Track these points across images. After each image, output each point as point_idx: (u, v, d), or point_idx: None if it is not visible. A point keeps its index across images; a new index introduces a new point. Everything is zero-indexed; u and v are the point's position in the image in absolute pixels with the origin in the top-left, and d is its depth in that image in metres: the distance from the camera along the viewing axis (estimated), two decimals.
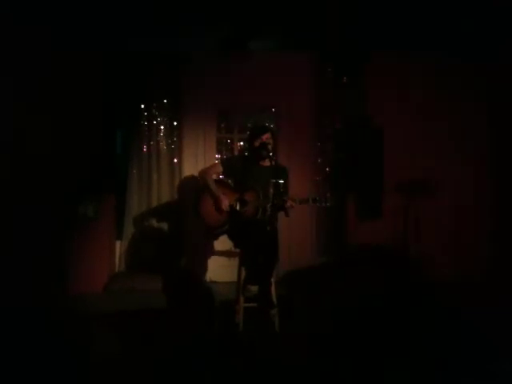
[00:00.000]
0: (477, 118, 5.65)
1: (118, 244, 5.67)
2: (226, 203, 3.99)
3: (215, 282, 5.51)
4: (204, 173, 4.19)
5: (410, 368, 3.14)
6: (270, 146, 3.99)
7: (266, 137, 4.01)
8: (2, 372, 3.02)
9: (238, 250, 4.13)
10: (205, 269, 5.55)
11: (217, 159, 5.68)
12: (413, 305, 4.17)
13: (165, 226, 5.70)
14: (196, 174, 5.04)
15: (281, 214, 3.98)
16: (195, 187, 5.10)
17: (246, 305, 3.84)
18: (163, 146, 5.68)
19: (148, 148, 5.67)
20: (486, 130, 5.63)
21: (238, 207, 4.00)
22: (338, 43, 5.52)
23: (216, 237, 4.96)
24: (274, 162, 4.03)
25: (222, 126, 5.93)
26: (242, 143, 5.88)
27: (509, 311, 4.30)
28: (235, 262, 4.41)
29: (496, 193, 5.58)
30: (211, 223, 4.05)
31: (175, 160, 5.68)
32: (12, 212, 4.38)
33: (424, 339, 3.54)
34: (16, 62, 4.41)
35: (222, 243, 5.23)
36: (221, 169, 4.17)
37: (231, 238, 4.11)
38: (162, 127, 5.68)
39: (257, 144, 4.02)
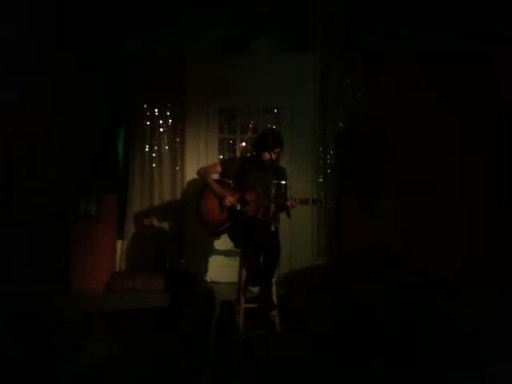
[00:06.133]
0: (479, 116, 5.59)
1: (119, 243, 5.68)
2: (229, 199, 3.98)
3: (216, 283, 5.52)
4: (204, 171, 4.19)
5: (409, 369, 3.14)
6: (276, 157, 3.97)
7: (267, 157, 3.97)
8: (4, 368, 3.04)
9: (238, 250, 4.14)
10: (205, 269, 5.56)
11: (219, 159, 5.69)
12: (411, 305, 4.17)
13: (166, 225, 5.72)
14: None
15: (282, 215, 3.99)
16: (196, 186, 5.13)
17: (247, 305, 3.84)
18: (165, 145, 5.69)
19: (150, 148, 5.68)
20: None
21: (238, 207, 4.00)
22: (339, 43, 5.52)
23: (217, 236, 4.99)
24: (274, 163, 4.03)
25: (225, 126, 5.93)
26: (244, 144, 5.88)
27: (508, 311, 4.32)
28: (236, 262, 4.42)
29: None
30: (211, 221, 4.05)
31: (177, 160, 5.69)
32: (14, 210, 4.40)
33: (422, 339, 3.54)
34: (16, 63, 4.44)
35: (223, 243, 5.26)
36: (220, 169, 4.16)
37: (231, 238, 4.11)
38: (165, 127, 5.69)
39: (262, 156, 3.99)
